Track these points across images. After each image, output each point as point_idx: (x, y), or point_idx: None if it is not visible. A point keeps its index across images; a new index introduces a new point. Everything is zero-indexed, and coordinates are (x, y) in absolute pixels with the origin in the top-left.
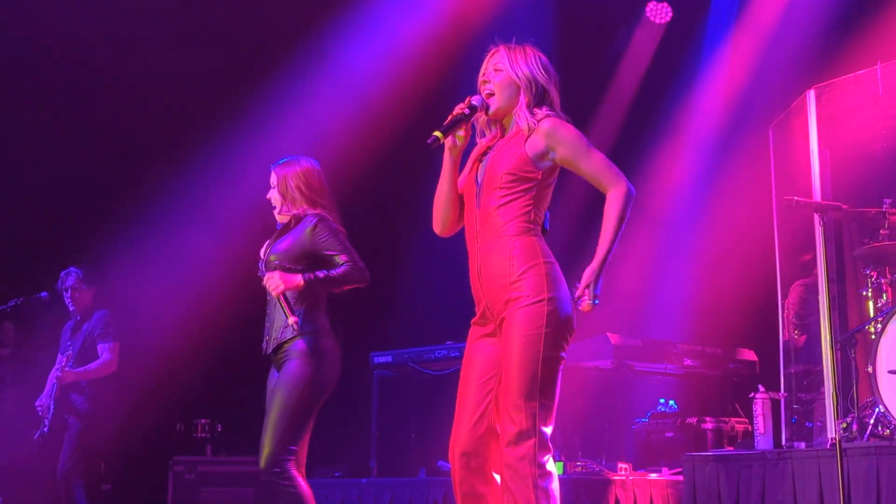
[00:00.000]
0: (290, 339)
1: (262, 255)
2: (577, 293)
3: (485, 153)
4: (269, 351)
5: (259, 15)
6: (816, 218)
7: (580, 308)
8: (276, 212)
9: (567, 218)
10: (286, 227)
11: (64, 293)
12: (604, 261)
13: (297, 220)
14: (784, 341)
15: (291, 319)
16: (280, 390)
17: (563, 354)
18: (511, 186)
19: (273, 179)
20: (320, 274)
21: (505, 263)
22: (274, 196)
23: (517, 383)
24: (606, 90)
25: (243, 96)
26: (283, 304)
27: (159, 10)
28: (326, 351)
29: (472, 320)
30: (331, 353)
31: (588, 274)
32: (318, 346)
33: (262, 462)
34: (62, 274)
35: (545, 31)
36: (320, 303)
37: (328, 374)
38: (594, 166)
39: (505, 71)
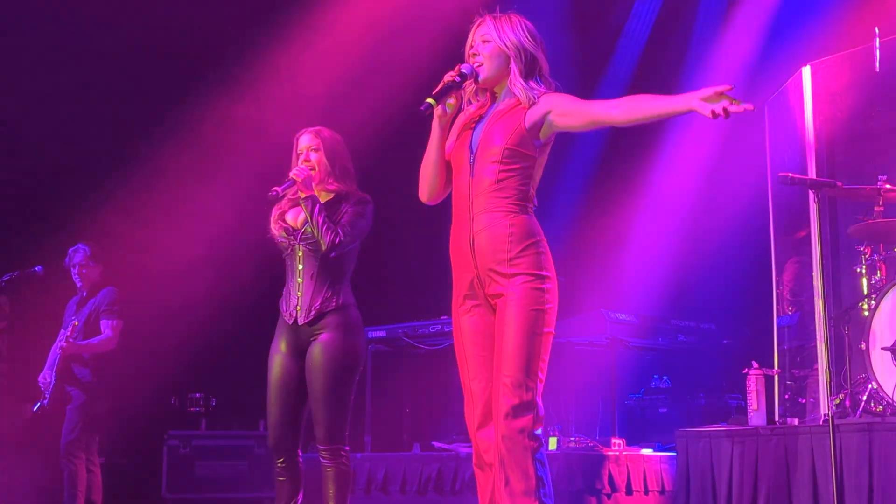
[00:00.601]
0: (332, 310)
1: (291, 222)
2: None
3: (474, 121)
4: (306, 321)
5: None
6: (811, 194)
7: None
8: (301, 179)
9: None
10: (337, 202)
11: (71, 269)
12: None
13: (344, 197)
14: (778, 317)
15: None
16: (330, 364)
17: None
18: (509, 162)
19: (313, 142)
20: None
21: (503, 239)
22: (318, 161)
23: (518, 358)
24: (606, 64)
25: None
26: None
27: None
28: (360, 323)
29: (461, 292)
30: (361, 328)
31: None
32: (355, 319)
33: (326, 439)
34: (70, 250)
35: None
36: (348, 275)
37: (364, 346)
38: (598, 102)
39: (493, 41)
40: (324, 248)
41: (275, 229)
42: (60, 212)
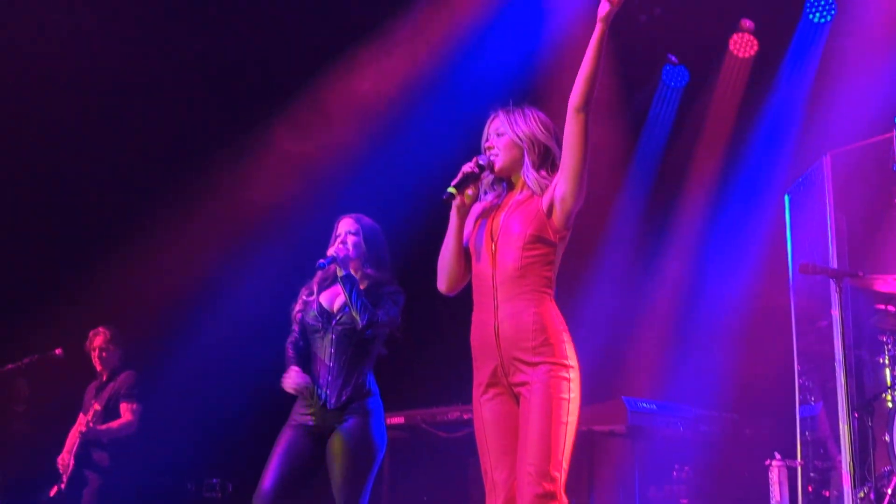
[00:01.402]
0: (361, 397)
1: (326, 306)
2: None
3: (492, 211)
4: (336, 406)
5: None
6: (832, 284)
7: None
8: (349, 260)
9: None
10: (374, 289)
11: (92, 352)
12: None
13: (380, 284)
14: (800, 407)
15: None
16: (354, 451)
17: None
18: (531, 248)
19: (352, 227)
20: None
21: (528, 327)
22: (356, 244)
23: (542, 448)
24: (632, 150)
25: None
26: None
27: None
28: (382, 411)
29: (482, 380)
30: (383, 413)
31: None
32: (379, 407)
33: None
34: (91, 333)
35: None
36: (373, 362)
37: (385, 438)
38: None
39: (506, 134)
40: (360, 325)
41: (308, 309)
42: (79, 290)
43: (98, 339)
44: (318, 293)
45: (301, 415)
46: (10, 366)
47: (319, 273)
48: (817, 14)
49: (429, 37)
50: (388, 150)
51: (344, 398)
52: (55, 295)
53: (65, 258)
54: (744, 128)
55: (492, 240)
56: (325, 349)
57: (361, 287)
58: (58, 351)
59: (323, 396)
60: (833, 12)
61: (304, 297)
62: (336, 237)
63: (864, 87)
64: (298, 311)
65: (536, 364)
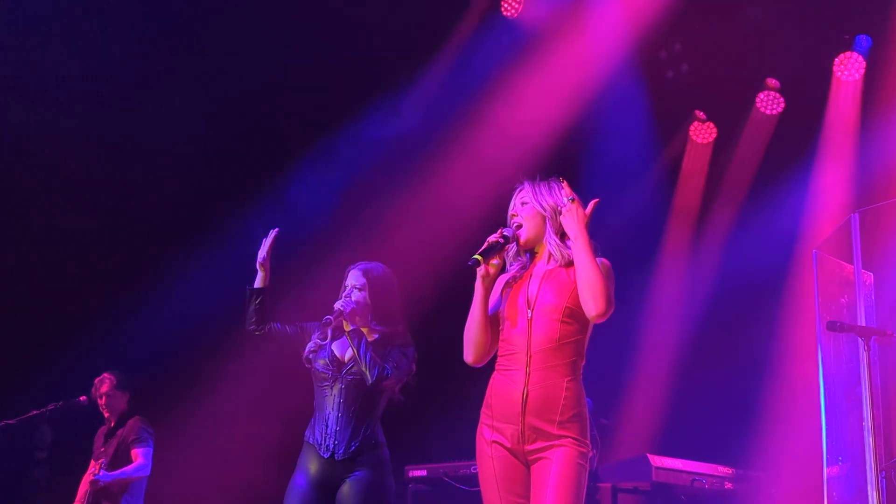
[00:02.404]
0: (369, 448)
1: (338, 354)
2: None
3: (518, 280)
4: (344, 457)
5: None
6: (860, 342)
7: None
8: (346, 310)
9: None
10: (382, 344)
11: (98, 399)
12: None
13: (389, 339)
14: (827, 467)
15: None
16: (369, 501)
17: None
18: (569, 321)
19: (359, 281)
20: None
21: (557, 402)
22: (360, 300)
23: None
24: (666, 211)
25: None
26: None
27: None
28: (389, 462)
29: (496, 438)
30: (390, 465)
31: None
32: (387, 458)
33: None
34: (96, 381)
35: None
36: (381, 414)
37: (393, 489)
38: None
39: (530, 203)
40: (369, 381)
41: (319, 355)
42: (105, 335)
43: (104, 385)
44: (332, 340)
45: (304, 469)
46: (34, 412)
47: (331, 320)
48: (845, 72)
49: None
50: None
51: (353, 449)
52: (82, 339)
53: (89, 300)
54: (769, 183)
55: (528, 307)
56: (332, 398)
57: (370, 340)
58: (82, 398)
59: (331, 447)
60: (861, 71)
61: (318, 340)
62: (344, 288)
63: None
64: (310, 352)
65: (558, 437)
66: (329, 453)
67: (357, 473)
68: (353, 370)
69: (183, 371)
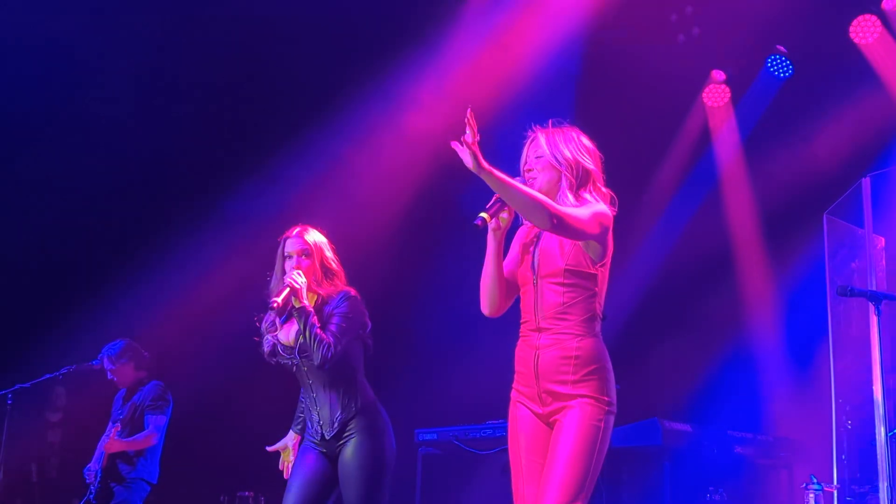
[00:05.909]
0: (354, 416)
1: (285, 341)
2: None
3: (532, 237)
4: (331, 435)
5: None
6: (871, 307)
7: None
8: (299, 287)
9: None
10: (321, 305)
11: (106, 373)
12: (495, 176)
13: (327, 299)
14: (836, 428)
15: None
16: (361, 471)
17: None
18: (573, 283)
19: (303, 247)
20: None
21: (568, 363)
22: (310, 268)
23: (574, 475)
24: (658, 166)
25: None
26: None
27: None
28: (384, 419)
29: (523, 399)
30: (388, 424)
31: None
32: (379, 416)
33: None
34: (99, 356)
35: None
36: (360, 371)
37: (392, 442)
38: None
39: (545, 156)
40: (316, 363)
41: (275, 354)
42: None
43: (105, 361)
44: (282, 326)
45: (307, 445)
46: (47, 375)
47: (278, 302)
48: (861, 34)
49: None
50: None
51: (337, 426)
52: (96, 303)
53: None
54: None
55: (533, 272)
56: (304, 382)
57: (312, 307)
58: (95, 363)
59: (320, 431)
60: (876, 35)
61: (270, 338)
62: (286, 259)
63: None
64: (269, 355)
65: (573, 397)
66: (319, 436)
67: (350, 441)
68: (304, 350)
69: (196, 332)
